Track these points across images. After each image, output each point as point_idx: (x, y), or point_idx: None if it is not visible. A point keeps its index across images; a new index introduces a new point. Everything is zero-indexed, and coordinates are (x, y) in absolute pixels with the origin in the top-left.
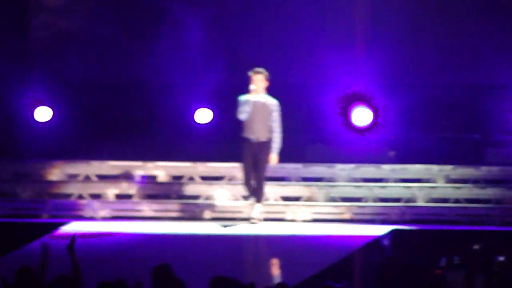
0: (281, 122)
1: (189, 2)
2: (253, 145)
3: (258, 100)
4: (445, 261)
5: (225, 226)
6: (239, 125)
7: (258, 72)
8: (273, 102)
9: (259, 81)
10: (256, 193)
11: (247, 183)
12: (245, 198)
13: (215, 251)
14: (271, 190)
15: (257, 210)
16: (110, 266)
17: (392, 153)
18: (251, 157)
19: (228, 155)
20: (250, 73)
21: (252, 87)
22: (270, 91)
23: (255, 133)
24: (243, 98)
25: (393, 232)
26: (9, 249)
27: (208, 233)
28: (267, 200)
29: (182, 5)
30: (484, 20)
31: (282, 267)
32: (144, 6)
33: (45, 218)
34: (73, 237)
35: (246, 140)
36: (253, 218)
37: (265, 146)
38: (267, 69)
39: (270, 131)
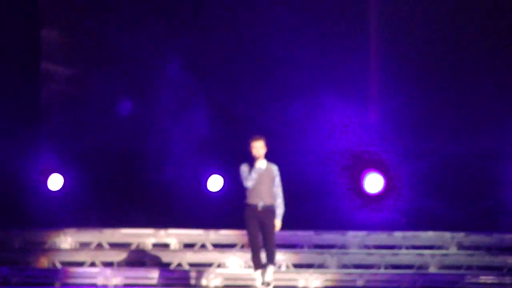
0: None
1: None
2: (259, 211)
3: (261, 167)
4: None
5: None
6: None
7: (259, 139)
8: (274, 167)
9: (260, 147)
10: (269, 256)
11: (256, 249)
12: (257, 267)
13: None
14: (282, 257)
15: (270, 272)
16: None
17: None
18: (257, 223)
19: (240, 222)
20: (251, 140)
21: (254, 153)
22: (280, 157)
23: (262, 199)
24: (245, 165)
25: None
26: None
27: None
28: (279, 267)
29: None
30: (497, 88)
31: None
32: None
33: (57, 286)
34: None
35: (251, 207)
36: (268, 283)
37: (271, 211)
38: (274, 135)
39: (273, 196)
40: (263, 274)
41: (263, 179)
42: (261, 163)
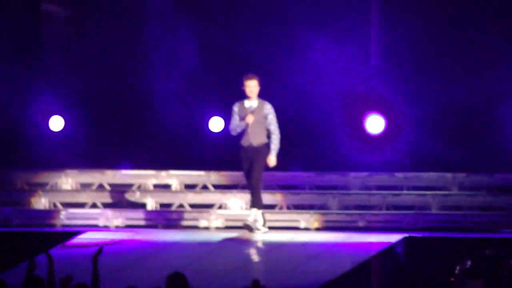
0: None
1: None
2: (248, 151)
3: (252, 106)
4: (460, 268)
5: (238, 234)
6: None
7: (252, 78)
8: (267, 106)
9: (253, 86)
10: (252, 198)
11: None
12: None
13: (228, 259)
14: (284, 198)
15: (253, 215)
16: (123, 274)
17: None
18: (247, 164)
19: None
20: (245, 78)
21: (248, 92)
22: (283, 99)
23: (253, 139)
24: (237, 106)
25: (406, 239)
26: (22, 259)
27: (221, 241)
28: (280, 208)
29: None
30: (500, 27)
31: (295, 274)
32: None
33: (58, 228)
34: (100, 248)
35: (243, 147)
36: (256, 228)
37: (260, 151)
38: (276, 77)
39: (266, 135)
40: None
41: (255, 119)
42: (252, 103)
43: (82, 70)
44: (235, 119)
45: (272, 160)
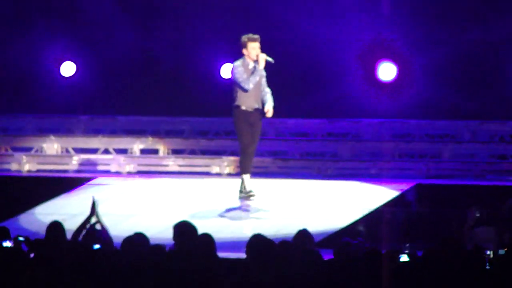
0: None
1: None
2: (252, 114)
3: (256, 67)
4: (470, 216)
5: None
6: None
7: (258, 39)
8: (263, 68)
9: (258, 48)
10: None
11: (250, 153)
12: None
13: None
14: (296, 146)
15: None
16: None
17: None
18: (250, 128)
19: None
20: (250, 40)
21: (253, 54)
22: (295, 47)
23: (256, 102)
24: (241, 65)
25: (417, 186)
26: (34, 204)
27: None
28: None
29: None
30: None
31: (308, 222)
32: None
33: (71, 173)
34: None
35: (245, 111)
36: (252, 192)
37: (260, 116)
38: (288, 25)
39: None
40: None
41: (259, 81)
42: (261, 64)
43: (94, 15)
44: (245, 75)
45: (271, 110)
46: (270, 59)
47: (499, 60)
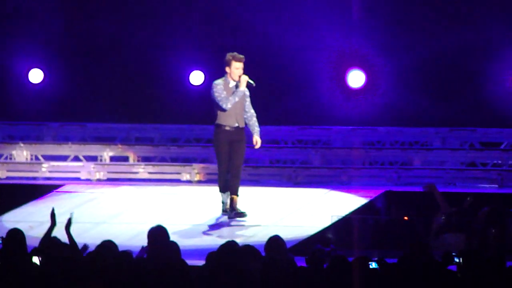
0: None
1: None
2: (233, 133)
3: (243, 90)
4: (439, 222)
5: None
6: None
7: (243, 59)
8: (246, 88)
9: (241, 68)
10: (236, 185)
11: (224, 174)
12: (225, 189)
13: (207, 216)
14: (266, 153)
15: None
16: (99, 229)
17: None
18: (228, 147)
19: None
20: (235, 59)
21: (237, 74)
22: (265, 54)
23: (238, 121)
24: (221, 84)
25: (386, 193)
26: (2, 211)
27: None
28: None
29: None
30: None
31: (278, 229)
32: None
33: (40, 180)
34: (69, 219)
35: (225, 129)
36: (241, 212)
37: (243, 135)
38: (258, 32)
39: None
40: (231, 200)
41: (240, 101)
42: (243, 86)
43: (62, 22)
44: (224, 93)
45: (259, 141)
46: (251, 81)
47: (469, 67)
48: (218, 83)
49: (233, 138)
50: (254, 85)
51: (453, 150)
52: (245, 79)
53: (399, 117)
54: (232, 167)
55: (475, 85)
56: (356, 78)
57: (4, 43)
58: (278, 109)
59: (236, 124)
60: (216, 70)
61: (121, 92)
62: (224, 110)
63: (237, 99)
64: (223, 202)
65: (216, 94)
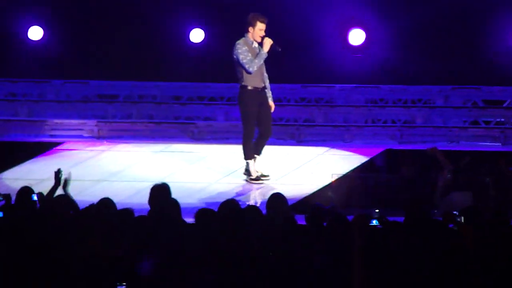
0: None
1: None
2: (260, 93)
3: (266, 52)
4: (444, 179)
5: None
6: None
7: (266, 21)
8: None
9: (264, 29)
10: (263, 146)
11: (250, 142)
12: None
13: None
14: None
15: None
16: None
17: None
18: (258, 108)
19: (222, 75)
20: (260, 20)
21: (260, 35)
22: (266, 13)
23: (263, 81)
24: (244, 45)
25: (387, 152)
26: (6, 167)
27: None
28: None
29: None
30: None
31: (277, 187)
32: None
33: (42, 138)
34: (58, 169)
35: (253, 91)
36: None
37: (267, 96)
38: None
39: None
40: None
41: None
42: (266, 48)
43: None
44: (249, 56)
45: (273, 106)
46: (278, 47)
47: (472, 25)
48: (242, 44)
49: (262, 100)
50: (280, 50)
51: (456, 108)
52: (269, 41)
53: (402, 76)
54: (266, 130)
55: (479, 43)
56: (357, 36)
57: (2, 1)
58: (280, 67)
59: (262, 85)
60: (216, 28)
61: (122, 49)
62: (249, 72)
63: (262, 61)
64: (247, 170)
65: (241, 56)
